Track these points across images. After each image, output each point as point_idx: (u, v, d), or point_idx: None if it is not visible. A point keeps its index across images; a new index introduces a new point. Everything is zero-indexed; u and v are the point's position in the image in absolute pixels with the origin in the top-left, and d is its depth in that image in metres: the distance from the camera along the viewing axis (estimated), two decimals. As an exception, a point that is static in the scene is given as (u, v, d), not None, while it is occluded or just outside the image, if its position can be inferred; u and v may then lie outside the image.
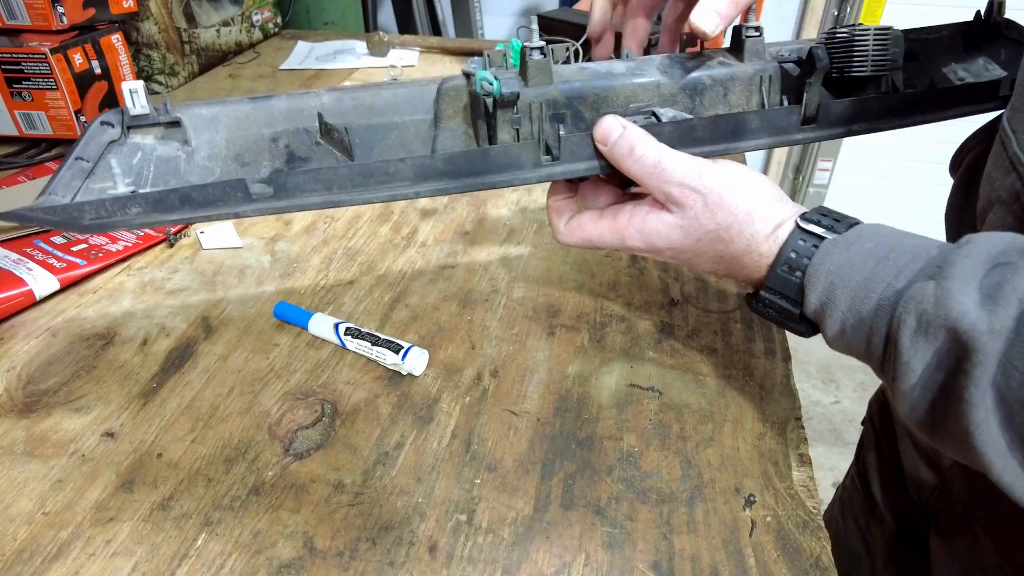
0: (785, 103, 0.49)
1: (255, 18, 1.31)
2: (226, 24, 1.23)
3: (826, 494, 0.95)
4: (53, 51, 0.83)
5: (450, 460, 0.48)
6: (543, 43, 0.43)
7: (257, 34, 1.33)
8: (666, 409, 0.52)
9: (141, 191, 0.40)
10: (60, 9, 0.86)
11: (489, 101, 0.43)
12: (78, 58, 0.88)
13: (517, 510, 0.45)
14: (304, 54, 1.28)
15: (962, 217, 0.53)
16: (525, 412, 0.52)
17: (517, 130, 0.44)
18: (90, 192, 0.40)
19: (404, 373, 0.54)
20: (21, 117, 0.89)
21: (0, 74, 0.85)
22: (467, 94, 0.44)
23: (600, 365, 0.57)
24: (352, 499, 0.45)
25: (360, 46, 1.31)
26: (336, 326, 0.57)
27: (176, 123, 0.42)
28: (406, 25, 1.96)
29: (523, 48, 0.43)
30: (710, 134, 0.45)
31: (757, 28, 0.47)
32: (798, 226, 0.40)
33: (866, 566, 0.69)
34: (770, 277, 0.41)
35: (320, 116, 0.43)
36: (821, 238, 0.39)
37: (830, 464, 1.77)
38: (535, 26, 0.44)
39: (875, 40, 0.46)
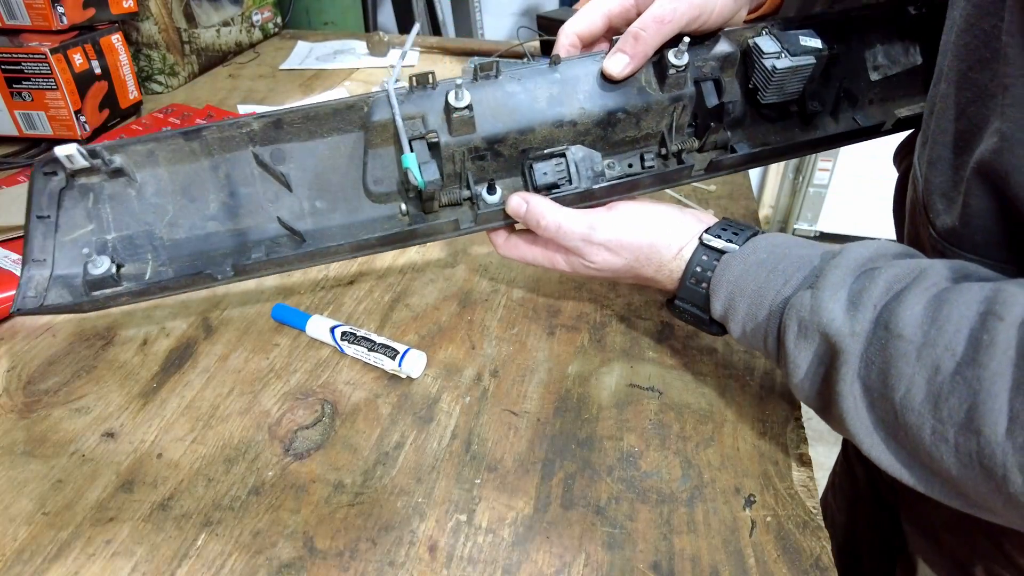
0: (688, 139, 0.52)
1: (255, 18, 1.31)
2: (226, 24, 1.23)
3: (826, 494, 0.96)
4: (53, 51, 0.83)
5: (450, 460, 0.48)
6: (469, 101, 0.46)
7: (257, 34, 1.33)
8: (666, 409, 0.52)
9: (125, 283, 0.45)
10: (60, 9, 0.86)
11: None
12: (78, 58, 0.88)
13: (517, 510, 0.45)
14: (304, 54, 1.28)
15: (901, 215, 0.56)
16: (525, 412, 0.52)
17: (440, 189, 0.48)
18: (63, 246, 0.45)
19: (403, 376, 0.54)
20: (21, 117, 0.89)
21: (0, 74, 0.85)
22: (392, 126, 0.47)
23: (600, 365, 0.57)
24: (352, 499, 0.45)
25: (360, 46, 1.31)
26: (333, 330, 0.57)
27: (119, 171, 0.45)
28: (406, 25, 1.96)
29: (448, 106, 0.46)
30: (607, 194, 0.50)
31: (684, 66, 0.48)
32: (701, 242, 0.46)
33: (855, 543, 0.71)
34: (681, 289, 0.47)
35: (255, 155, 0.47)
36: (721, 252, 0.45)
37: (830, 464, 1.76)
38: (460, 90, 0.46)
39: (794, 76, 0.50)
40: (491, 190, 0.50)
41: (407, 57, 1.25)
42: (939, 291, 0.35)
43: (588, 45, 0.53)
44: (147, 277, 0.46)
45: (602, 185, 0.49)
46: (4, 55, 0.83)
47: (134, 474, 0.47)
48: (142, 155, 0.45)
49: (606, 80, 0.49)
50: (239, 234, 0.48)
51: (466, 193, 0.50)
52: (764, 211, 2.46)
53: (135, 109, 1.01)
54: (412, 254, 0.71)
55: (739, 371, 0.56)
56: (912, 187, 0.49)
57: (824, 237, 2.43)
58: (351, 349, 0.56)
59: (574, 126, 0.49)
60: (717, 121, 0.50)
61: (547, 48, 1.17)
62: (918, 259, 0.39)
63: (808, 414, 0.48)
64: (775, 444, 0.50)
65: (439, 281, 0.67)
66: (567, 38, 0.52)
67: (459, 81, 0.46)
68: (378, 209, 0.50)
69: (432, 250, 0.71)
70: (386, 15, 1.98)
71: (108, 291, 0.45)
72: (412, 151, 0.45)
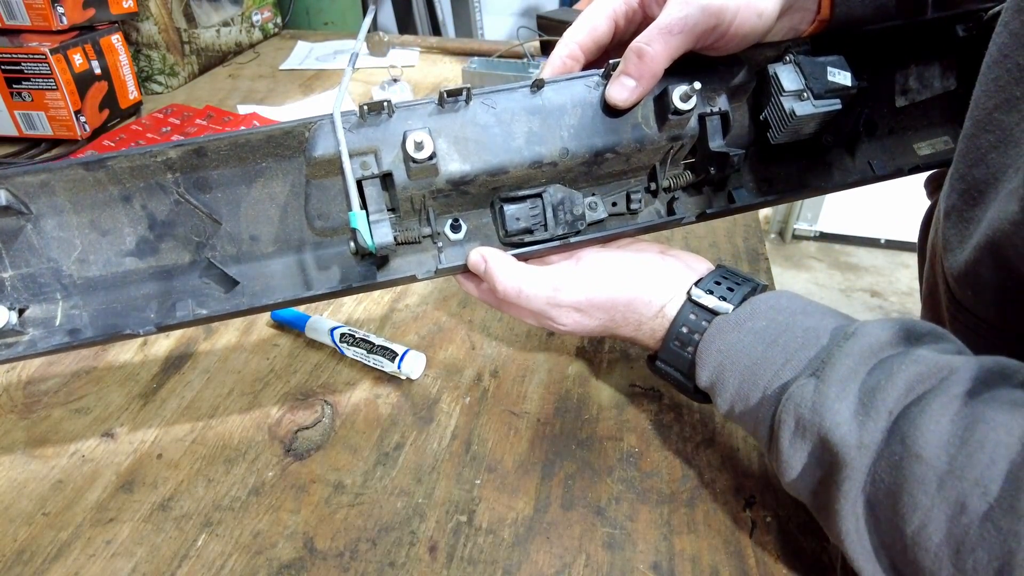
0: (682, 174, 0.47)
1: (255, 18, 1.31)
2: (226, 24, 1.23)
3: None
4: (53, 51, 0.83)
5: (450, 460, 0.48)
6: (432, 150, 0.40)
7: (257, 34, 1.33)
8: (666, 409, 0.52)
9: (32, 331, 0.40)
10: (60, 9, 0.86)
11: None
12: (78, 58, 0.88)
13: (517, 511, 0.45)
14: (304, 54, 1.28)
15: (924, 253, 0.53)
16: (525, 412, 0.52)
17: (396, 236, 0.42)
18: None
19: (402, 378, 0.54)
20: (21, 117, 0.89)
21: (0, 74, 0.85)
22: (339, 160, 0.41)
23: (600, 365, 0.57)
24: (352, 499, 0.45)
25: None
26: (332, 331, 0.57)
27: (6, 208, 0.38)
28: (406, 25, 1.96)
29: (406, 155, 0.40)
30: (585, 245, 0.46)
31: (687, 111, 0.42)
32: (690, 298, 0.41)
33: None
34: (663, 350, 0.42)
35: (176, 186, 0.41)
36: (712, 312, 0.39)
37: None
38: (421, 138, 0.40)
39: (812, 120, 0.45)
40: (455, 228, 0.45)
41: (405, 58, 1.25)
42: (972, 403, 0.29)
43: (593, 59, 0.46)
44: (58, 321, 0.40)
45: (580, 238, 0.45)
46: (4, 55, 0.83)
47: (134, 474, 0.47)
48: (34, 186, 0.39)
49: (606, 109, 0.43)
50: (162, 273, 0.42)
51: (426, 230, 0.44)
52: (764, 211, 2.46)
53: (135, 109, 1.01)
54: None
55: (739, 371, 0.56)
56: (934, 229, 0.44)
57: (824, 237, 2.43)
58: (350, 351, 0.56)
59: (554, 167, 0.43)
60: (718, 169, 0.44)
61: (547, 48, 1.17)
62: (946, 347, 0.33)
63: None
64: (775, 444, 0.50)
65: (439, 281, 0.67)
66: (566, 48, 0.45)
67: (418, 127, 0.40)
68: (324, 245, 0.44)
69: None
70: (386, 15, 1.98)
71: (10, 340, 0.39)
72: (363, 207, 0.40)
